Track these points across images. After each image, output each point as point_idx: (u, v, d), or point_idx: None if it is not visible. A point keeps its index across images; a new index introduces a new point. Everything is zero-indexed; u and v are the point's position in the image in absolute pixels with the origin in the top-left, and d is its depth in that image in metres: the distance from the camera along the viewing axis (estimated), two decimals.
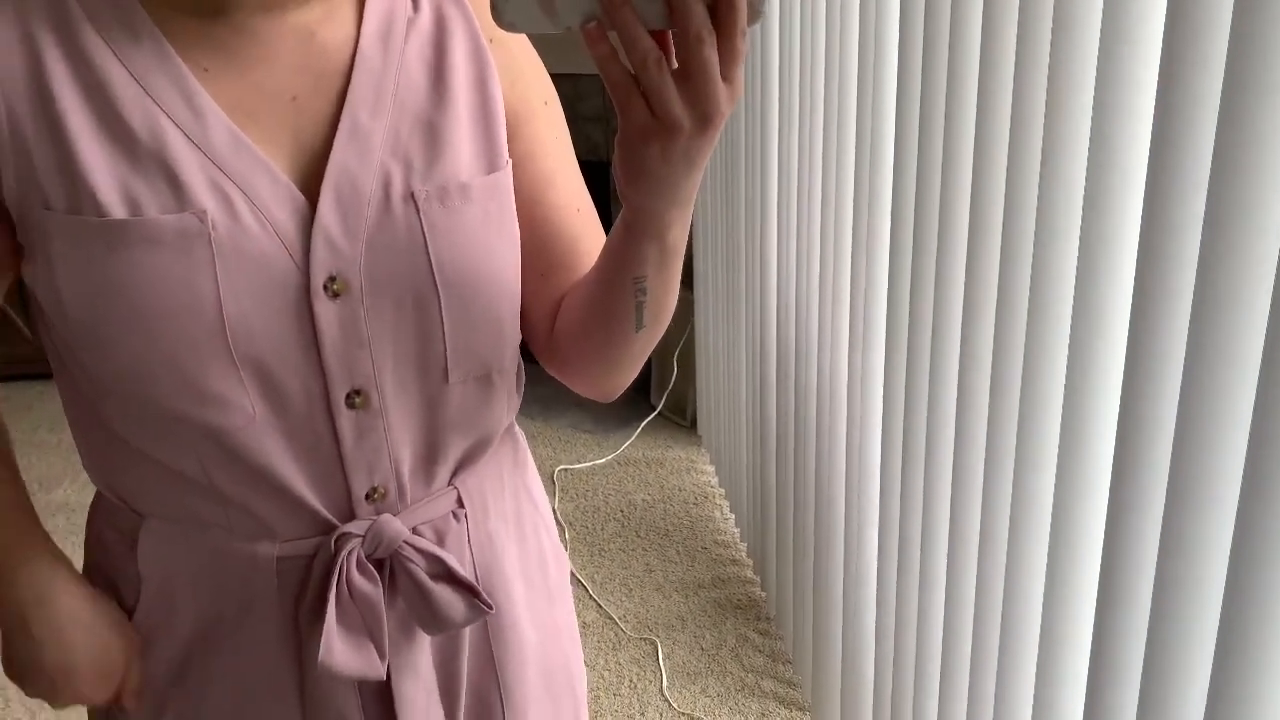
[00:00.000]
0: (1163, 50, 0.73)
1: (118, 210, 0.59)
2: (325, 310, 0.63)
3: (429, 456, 0.71)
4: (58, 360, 0.68)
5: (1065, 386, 0.91)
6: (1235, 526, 0.67)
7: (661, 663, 2.01)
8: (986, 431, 1.08)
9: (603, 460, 2.86)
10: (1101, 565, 0.86)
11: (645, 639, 2.09)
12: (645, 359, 0.75)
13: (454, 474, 0.74)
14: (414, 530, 0.71)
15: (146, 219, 0.59)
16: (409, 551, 0.70)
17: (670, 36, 0.52)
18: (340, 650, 0.67)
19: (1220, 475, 0.70)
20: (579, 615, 2.17)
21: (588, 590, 2.26)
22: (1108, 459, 0.87)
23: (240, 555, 0.69)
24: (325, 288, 0.63)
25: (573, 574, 2.32)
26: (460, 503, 0.74)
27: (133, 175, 0.60)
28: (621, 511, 2.61)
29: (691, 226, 2.72)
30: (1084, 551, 0.92)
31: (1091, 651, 0.89)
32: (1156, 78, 0.75)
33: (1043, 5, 0.90)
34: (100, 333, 0.61)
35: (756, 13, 0.52)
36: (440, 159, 0.65)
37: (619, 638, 2.10)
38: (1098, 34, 0.83)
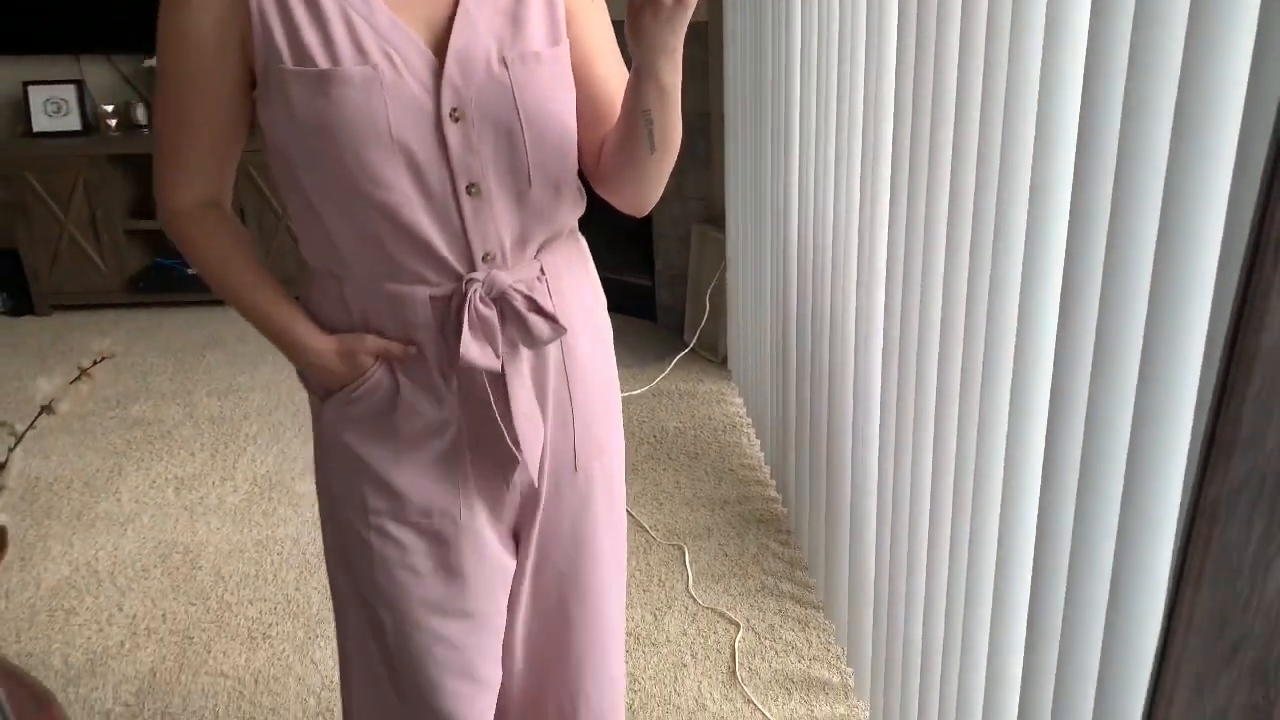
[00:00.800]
0: None
1: (325, 64, 0.94)
2: (450, 129, 0.97)
3: (521, 237, 1.05)
4: (289, 184, 1.01)
5: (1057, 328, 1.03)
6: None
7: (688, 565, 2.26)
8: (963, 376, 1.28)
9: (638, 391, 3.09)
10: (1081, 469, 0.99)
11: (674, 545, 2.34)
12: (663, 182, 1.07)
13: (538, 252, 1.08)
14: (514, 286, 1.04)
15: (344, 69, 0.94)
16: (512, 293, 1.04)
17: None
18: (472, 349, 1.02)
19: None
20: None
21: None
22: (1084, 381, 1.05)
23: (406, 296, 1.03)
24: (450, 115, 0.97)
25: None
26: (542, 271, 1.08)
27: (333, 45, 0.94)
28: (654, 436, 2.84)
29: (724, 175, 2.90)
30: (1070, 461, 1.04)
31: (1072, 544, 1.02)
32: None
33: None
34: (317, 141, 0.95)
35: None
36: (520, 36, 0.99)
37: (649, 543, 2.34)
38: None
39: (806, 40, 1.96)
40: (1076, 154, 0.95)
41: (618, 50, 1.08)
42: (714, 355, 3.28)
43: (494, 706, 1.24)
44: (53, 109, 3.89)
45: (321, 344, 1.07)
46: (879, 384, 1.65)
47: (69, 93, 3.89)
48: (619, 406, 1.24)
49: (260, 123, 1.00)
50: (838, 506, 1.93)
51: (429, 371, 1.07)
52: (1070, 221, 0.96)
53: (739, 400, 3.00)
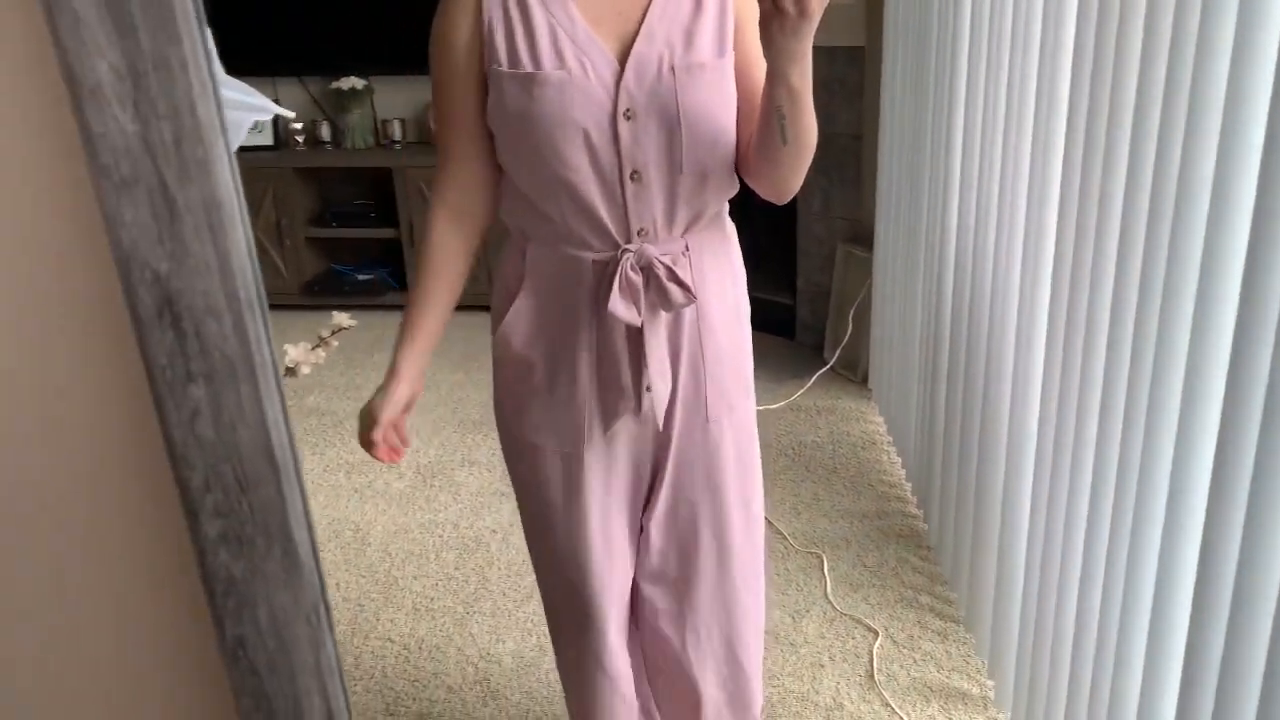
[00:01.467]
0: None
1: (530, 67, 1.16)
2: (623, 125, 1.17)
3: (670, 216, 1.23)
4: (501, 157, 1.23)
5: (1232, 346, 1.07)
6: None
7: (826, 573, 2.30)
8: (1128, 394, 1.30)
9: (775, 405, 3.15)
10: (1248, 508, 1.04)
11: (812, 553, 2.38)
12: (800, 174, 1.21)
13: (685, 231, 1.26)
14: (660, 258, 1.23)
15: (545, 72, 1.15)
16: (656, 264, 1.22)
17: None
18: (618, 304, 1.21)
19: None
20: None
21: None
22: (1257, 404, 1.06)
23: (574, 258, 1.24)
24: (624, 114, 1.16)
25: None
26: (687, 249, 1.26)
27: (537, 52, 1.16)
28: (792, 449, 2.90)
29: (874, 195, 2.95)
30: (1238, 490, 1.05)
31: (1239, 558, 1.03)
32: None
33: None
34: (521, 129, 1.17)
35: None
36: (690, 49, 1.17)
37: (787, 550, 2.40)
38: None
39: (974, 64, 2.00)
40: (1259, 180, 0.98)
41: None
42: (853, 374, 3.31)
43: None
44: (251, 126, 4.26)
45: (408, 378, 1.29)
46: (1037, 403, 1.67)
47: None
48: (749, 375, 1.41)
49: (487, 114, 1.21)
50: (985, 523, 1.94)
51: (581, 318, 1.27)
52: (1251, 238, 0.99)
53: (879, 419, 3.02)
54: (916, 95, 2.45)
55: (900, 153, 2.65)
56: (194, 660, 0.66)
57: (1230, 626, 1.06)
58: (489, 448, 3.01)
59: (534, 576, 1.49)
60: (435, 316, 1.30)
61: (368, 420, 1.30)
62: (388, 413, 1.29)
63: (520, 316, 1.29)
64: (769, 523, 2.50)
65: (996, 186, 1.86)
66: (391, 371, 1.29)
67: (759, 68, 1.19)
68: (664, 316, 1.26)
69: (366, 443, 1.31)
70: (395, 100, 4.32)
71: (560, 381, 1.30)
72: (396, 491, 2.78)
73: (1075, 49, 1.45)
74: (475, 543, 2.51)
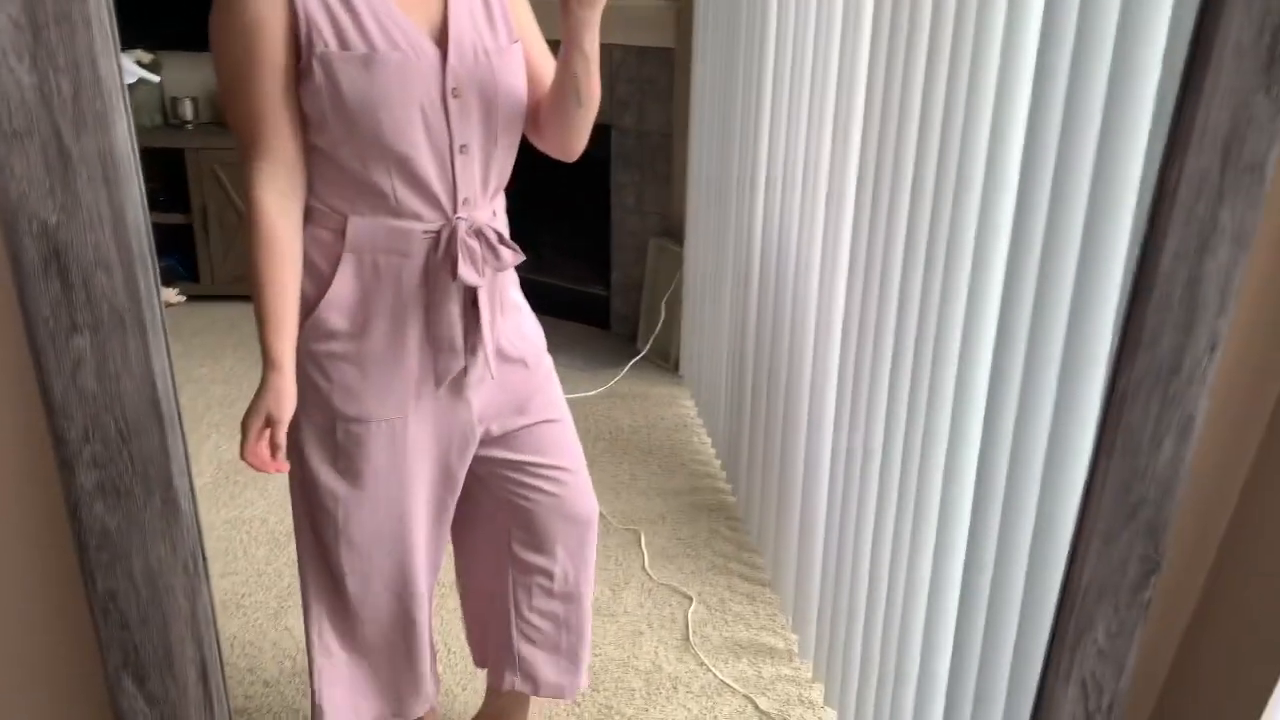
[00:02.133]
0: None
1: (364, 48, 1.19)
2: (452, 102, 1.25)
3: (485, 185, 1.33)
4: (312, 141, 1.24)
5: (998, 315, 1.23)
6: None
7: (644, 547, 2.42)
8: (912, 377, 1.47)
9: (593, 393, 3.25)
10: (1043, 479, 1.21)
11: (630, 529, 2.50)
12: (586, 132, 1.37)
13: (493, 196, 1.37)
14: (486, 223, 1.33)
15: (383, 53, 1.20)
16: (486, 229, 1.33)
17: None
18: (467, 270, 1.29)
19: None
20: None
21: None
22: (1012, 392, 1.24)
23: (405, 230, 1.29)
24: (452, 92, 1.25)
25: None
26: (494, 213, 1.38)
27: (368, 35, 1.19)
28: (609, 433, 3.00)
29: (684, 190, 3.09)
30: (1009, 452, 1.22)
31: (998, 546, 1.21)
32: None
33: None
34: (360, 110, 1.20)
35: None
36: (493, 34, 1.29)
37: (607, 528, 2.50)
38: None
39: (779, 68, 2.16)
40: (1021, 166, 1.16)
41: (540, 35, 1.41)
42: (665, 362, 3.46)
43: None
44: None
45: (283, 366, 1.26)
46: (834, 383, 1.84)
47: None
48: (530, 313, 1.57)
49: (300, 95, 1.22)
50: (788, 494, 2.11)
51: (410, 292, 1.33)
52: (1015, 217, 1.16)
53: (690, 402, 3.18)
54: (725, 96, 2.61)
55: (710, 151, 2.80)
56: (61, 616, 0.66)
57: (994, 583, 1.23)
58: None
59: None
60: (292, 300, 1.27)
61: (259, 424, 1.26)
62: (286, 408, 1.26)
63: (339, 295, 1.30)
64: None
65: (799, 184, 2.03)
66: (272, 365, 1.25)
67: (534, 46, 1.38)
68: (489, 277, 1.36)
69: (257, 453, 1.28)
70: (186, 78, 4.08)
71: (387, 352, 1.34)
72: (199, 488, 2.66)
73: (870, 57, 1.62)
74: (287, 537, 2.45)
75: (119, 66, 0.51)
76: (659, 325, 3.45)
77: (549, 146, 1.40)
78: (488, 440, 1.49)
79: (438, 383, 1.38)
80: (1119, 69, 0.92)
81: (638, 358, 3.49)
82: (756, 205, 2.32)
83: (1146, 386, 0.70)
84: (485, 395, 1.45)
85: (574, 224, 3.78)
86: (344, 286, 1.30)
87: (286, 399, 1.27)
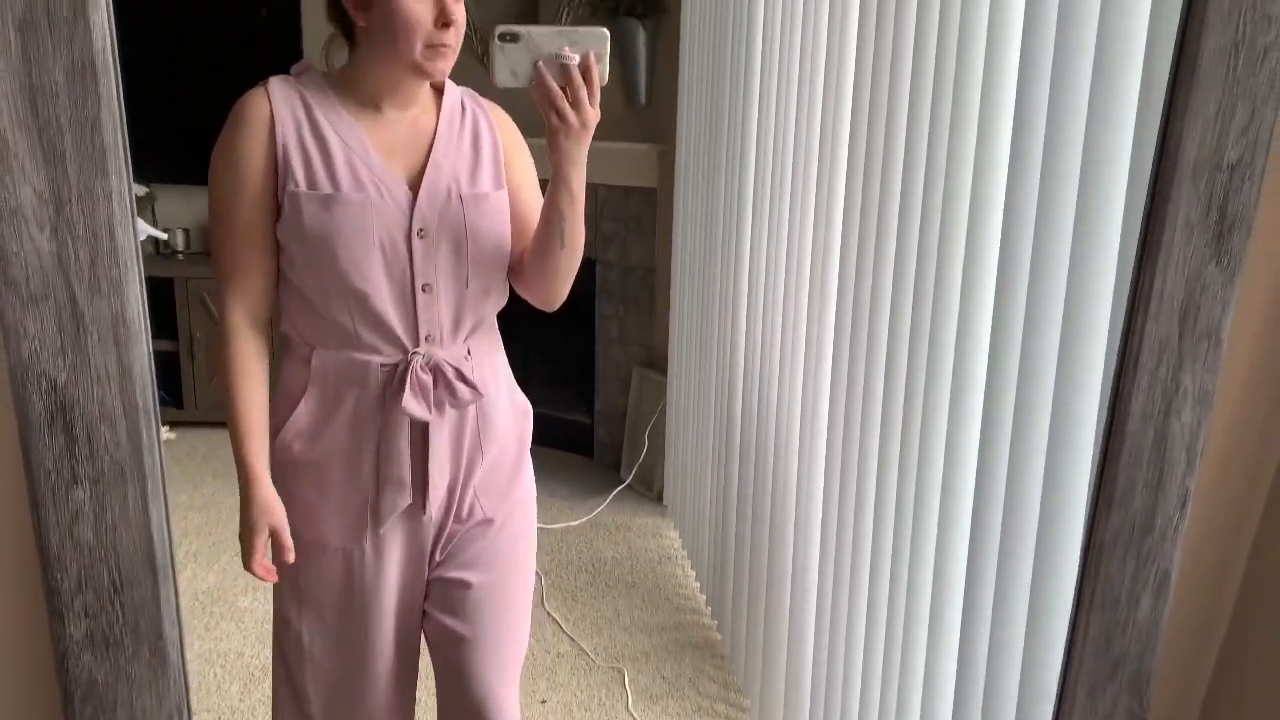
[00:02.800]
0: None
1: (329, 188, 1.26)
2: (416, 242, 1.29)
3: (456, 324, 1.35)
4: (285, 275, 1.30)
5: (977, 464, 1.25)
6: None
7: (627, 686, 2.36)
8: (896, 517, 1.49)
9: (575, 523, 3.22)
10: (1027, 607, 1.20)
11: (614, 667, 2.44)
12: (570, 279, 1.38)
13: (467, 337, 1.37)
14: (447, 360, 1.34)
15: (344, 193, 1.26)
16: (444, 365, 1.33)
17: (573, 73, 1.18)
18: (410, 402, 1.31)
19: None
20: (553, 648, 2.52)
21: (562, 627, 2.61)
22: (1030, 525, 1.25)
23: (363, 363, 1.32)
24: (418, 232, 1.29)
25: (547, 612, 2.67)
26: (469, 353, 1.37)
27: (335, 175, 1.26)
28: (592, 565, 2.97)
29: (667, 322, 3.15)
30: (992, 598, 1.22)
31: (1023, 673, 1.16)
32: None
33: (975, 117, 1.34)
34: (318, 246, 1.25)
35: (603, 77, 1.19)
36: (473, 181, 1.33)
37: (590, 666, 2.44)
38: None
39: (758, 205, 2.25)
40: (992, 318, 1.20)
41: (537, 186, 1.44)
42: (649, 491, 3.45)
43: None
44: None
45: (262, 485, 1.30)
46: (819, 518, 1.84)
47: None
48: (528, 469, 1.53)
49: (277, 233, 1.29)
50: (775, 633, 2.08)
51: (364, 421, 1.35)
52: (990, 357, 1.20)
53: (674, 533, 3.15)
54: (707, 233, 2.70)
55: (692, 285, 2.88)
56: None
57: (989, 672, 1.21)
58: None
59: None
60: (261, 415, 1.33)
61: (259, 537, 1.30)
62: (277, 513, 1.31)
63: (302, 420, 1.35)
64: (572, 640, 2.54)
65: (779, 317, 2.08)
66: (250, 479, 1.30)
67: (526, 191, 1.41)
68: (449, 415, 1.36)
69: (263, 564, 1.31)
70: (179, 209, 4.18)
71: (342, 479, 1.37)
72: None
73: (845, 197, 1.69)
74: (262, 672, 2.38)
75: (135, 234, 0.54)
76: (642, 454, 3.46)
77: (531, 293, 1.41)
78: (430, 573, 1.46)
79: (381, 519, 1.37)
80: (1080, 238, 0.97)
81: (621, 487, 3.48)
82: (739, 338, 2.37)
83: (1122, 542, 0.72)
84: (440, 534, 1.44)
85: (560, 353, 3.82)
86: (307, 412, 1.34)
87: (274, 505, 1.31)
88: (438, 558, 1.44)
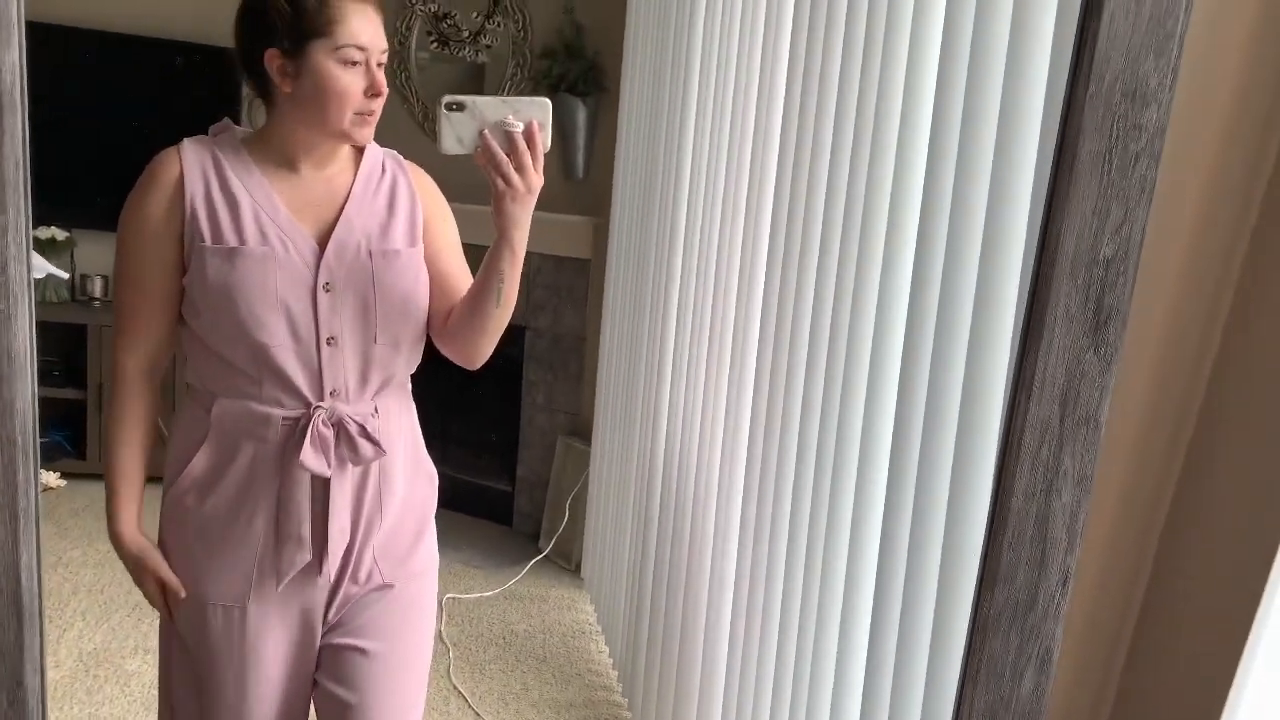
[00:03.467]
0: None
1: (234, 242, 1.26)
2: (322, 296, 1.29)
3: (363, 379, 1.35)
4: (190, 322, 1.30)
5: (879, 539, 1.29)
6: None
7: None
8: (802, 604, 1.50)
9: (490, 593, 3.16)
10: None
11: None
12: (496, 339, 1.37)
13: (375, 394, 1.37)
14: (352, 416, 1.33)
15: (249, 247, 1.26)
16: (348, 420, 1.32)
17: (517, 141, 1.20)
18: (310, 457, 1.29)
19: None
20: None
21: (467, 700, 2.53)
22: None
23: (263, 415, 1.31)
24: (323, 286, 1.29)
25: (454, 685, 2.59)
26: (375, 410, 1.36)
27: (241, 230, 1.27)
28: (503, 638, 2.90)
29: (596, 390, 3.16)
30: (891, 675, 1.24)
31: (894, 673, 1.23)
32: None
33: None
34: (221, 298, 1.25)
35: (545, 144, 1.21)
36: (385, 238, 1.34)
37: None
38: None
39: (685, 277, 2.29)
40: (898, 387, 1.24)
41: (461, 253, 1.46)
42: (567, 563, 3.41)
43: None
44: None
45: (132, 530, 1.35)
46: (730, 598, 1.84)
47: None
48: (431, 537, 1.50)
49: (184, 284, 1.30)
50: (685, 712, 2.06)
51: (264, 474, 1.34)
52: (893, 436, 1.23)
53: (590, 607, 3.11)
54: (635, 305, 2.73)
55: (619, 355, 2.90)
56: None
57: None
58: None
59: None
60: (138, 472, 1.36)
61: (155, 590, 1.36)
62: (155, 563, 1.34)
63: (198, 469, 1.34)
64: (477, 715, 2.47)
65: (700, 390, 2.10)
66: (117, 535, 1.34)
67: (448, 254, 1.42)
68: (350, 473, 1.35)
69: (148, 594, 1.36)
70: (98, 255, 4.09)
71: (233, 534, 1.34)
72: (52, 682, 2.45)
73: (765, 282, 1.74)
74: None
75: (29, 269, 0.53)
76: (562, 525, 3.42)
77: (454, 351, 1.41)
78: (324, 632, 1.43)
79: (281, 576, 1.35)
80: (979, 323, 1.02)
81: (539, 557, 3.43)
82: (661, 408, 2.39)
83: (1006, 619, 0.74)
84: (335, 596, 1.41)
85: (484, 419, 3.79)
86: (204, 462, 1.33)
87: (148, 554, 1.34)
88: (330, 622, 1.41)
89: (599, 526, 3.06)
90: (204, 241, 1.26)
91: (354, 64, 1.24)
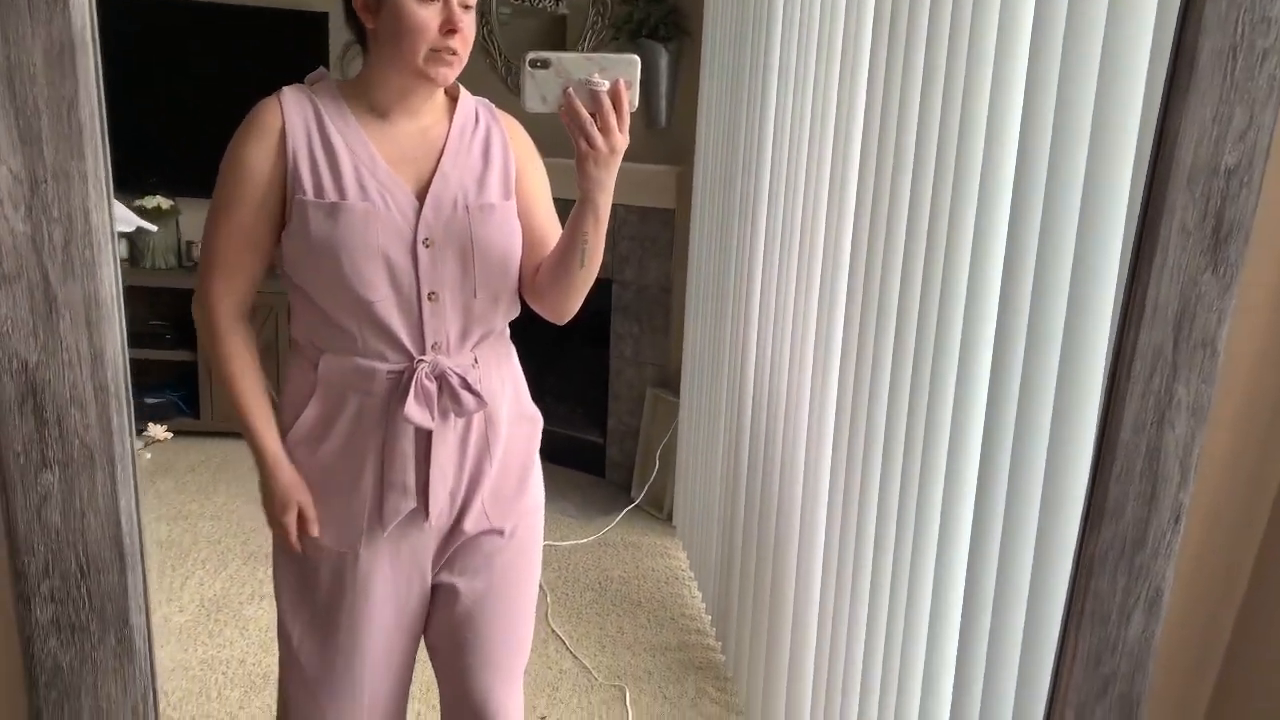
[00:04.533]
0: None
1: (335, 197, 1.26)
2: (422, 252, 1.30)
3: (463, 333, 1.35)
4: (297, 284, 1.31)
5: (976, 481, 1.25)
6: None
7: (629, 706, 2.33)
8: (897, 528, 1.47)
9: (584, 540, 3.20)
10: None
11: (615, 685, 2.41)
12: (582, 296, 1.38)
13: (475, 345, 1.37)
14: (454, 368, 1.34)
15: (350, 202, 1.27)
16: (450, 373, 1.33)
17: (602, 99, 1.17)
18: (414, 409, 1.31)
19: None
20: (555, 665, 2.49)
21: (565, 643, 2.59)
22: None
23: (369, 369, 1.33)
24: (423, 242, 1.29)
25: (551, 628, 2.65)
26: (476, 361, 1.37)
27: (342, 184, 1.27)
28: (599, 583, 2.94)
29: (681, 343, 3.14)
30: (989, 617, 1.20)
31: (1018, 692, 1.15)
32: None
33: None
34: (324, 253, 1.26)
35: (633, 103, 1.18)
36: (481, 192, 1.34)
37: (591, 684, 2.41)
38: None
39: (771, 224, 2.24)
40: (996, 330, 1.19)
41: (551, 201, 1.45)
42: (659, 511, 3.43)
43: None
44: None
45: (277, 460, 1.36)
46: (822, 539, 1.82)
47: None
48: (536, 477, 1.52)
49: (281, 240, 1.31)
50: (777, 657, 2.06)
51: (369, 426, 1.36)
52: (991, 374, 1.18)
53: (682, 554, 3.13)
54: (721, 253, 2.69)
55: (705, 305, 2.87)
56: None
57: (986, 687, 1.18)
58: None
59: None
60: (263, 398, 1.37)
61: (290, 516, 1.36)
62: (301, 490, 1.36)
63: (308, 424, 1.36)
64: (574, 657, 2.52)
65: (788, 338, 2.07)
66: (274, 463, 1.35)
67: (539, 207, 1.41)
68: (453, 423, 1.36)
69: (296, 541, 1.38)
70: (202, 221, 4.23)
71: (343, 484, 1.37)
72: (177, 625, 2.59)
73: (855, 222, 1.69)
74: (263, 680, 2.37)
75: (110, 217, 0.54)
76: (653, 475, 3.44)
77: (542, 306, 1.41)
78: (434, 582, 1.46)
79: (385, 523, 1.38)
80: (1083, 245, 0.96)
81: (630, 506, 3.46)
82: (749, 359, 2.36)
83: (1113, 558, 0.70)
84: (444, 541, 1.43)
85: (574, 372, 3.82)
86: (313, 416, 1.36)
87: (299, 482, 1.36)
88: (441, 564, 1.44)
89: (689, 476, 3.06)
90: (305, 195, 1.27)
91: (432, 1, 1.22)
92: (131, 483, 0.58)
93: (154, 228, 1.47)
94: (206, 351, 1.36)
